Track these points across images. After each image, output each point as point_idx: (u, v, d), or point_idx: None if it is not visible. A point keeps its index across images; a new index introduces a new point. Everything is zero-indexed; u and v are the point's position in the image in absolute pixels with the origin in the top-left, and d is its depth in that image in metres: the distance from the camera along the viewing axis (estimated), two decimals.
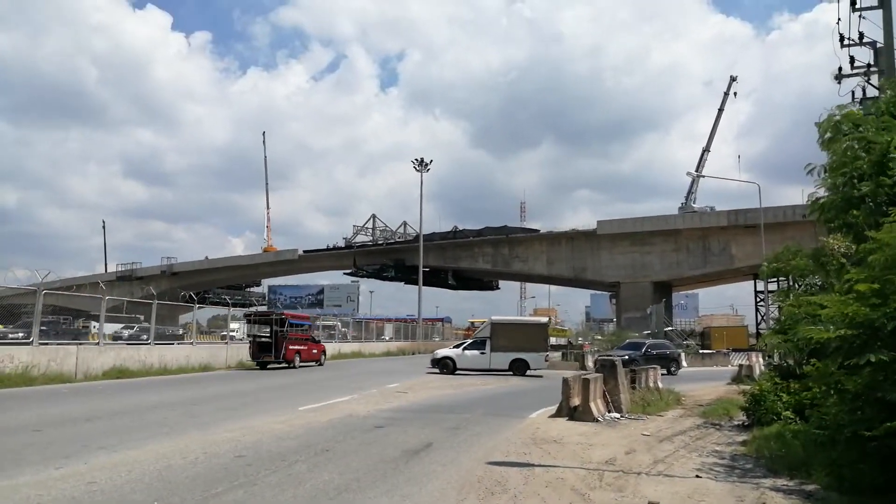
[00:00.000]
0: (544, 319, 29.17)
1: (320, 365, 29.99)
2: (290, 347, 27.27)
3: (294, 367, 27.28)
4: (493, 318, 29.86)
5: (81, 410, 12.27)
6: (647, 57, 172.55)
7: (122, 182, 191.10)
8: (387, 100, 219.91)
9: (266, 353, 26.91)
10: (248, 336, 30.19)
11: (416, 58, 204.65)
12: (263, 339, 27.63)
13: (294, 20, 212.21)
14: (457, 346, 29.76)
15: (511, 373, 26.43)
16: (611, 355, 30.51)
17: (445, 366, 27.26)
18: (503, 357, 26.82)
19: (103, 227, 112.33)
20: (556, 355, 39.81)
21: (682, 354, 40.19)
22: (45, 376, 17.08)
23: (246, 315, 33.53)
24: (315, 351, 30.21)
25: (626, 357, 28.62)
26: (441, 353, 28.81)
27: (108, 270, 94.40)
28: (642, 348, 31.51)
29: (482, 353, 27.18)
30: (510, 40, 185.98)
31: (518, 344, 27.00)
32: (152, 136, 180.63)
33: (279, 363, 26.95)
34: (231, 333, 39.73)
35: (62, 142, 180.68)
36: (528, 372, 26.73)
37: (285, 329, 27.50)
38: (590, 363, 28.29)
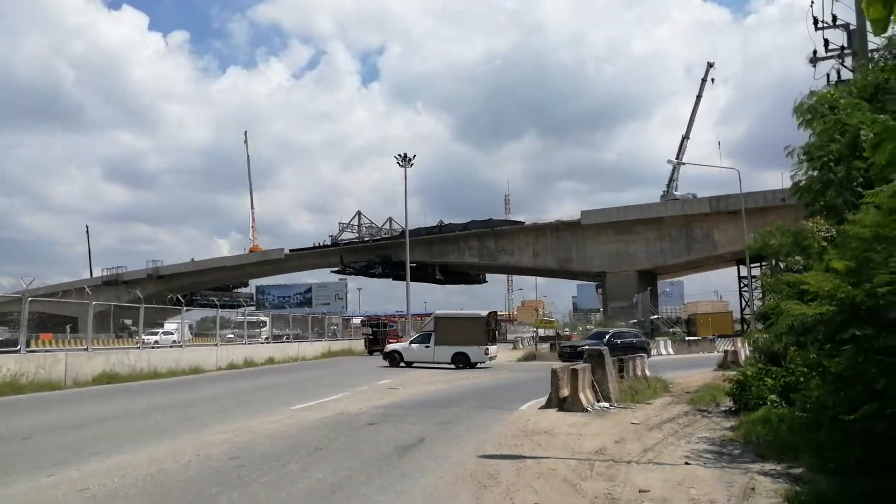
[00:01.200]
0: (483, 313, 29.24)
1: None
2: (389, 341, 36.98)
3: None
4: (437, 312, 31.18)
5: (72, 417, 12.22)
6: (628, 45, 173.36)
7: (104, 185, 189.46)
8: (369, 95, 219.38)
9: (374, 346, 38.93)
10: (364, 335, 44.05)
11: (396, 51, 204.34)
12: (371, 337, 41.12)
13: (272, 17, 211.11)
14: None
15: (453, 366, 26.91)
16: (573, 346, 30.69)
17: (393, 359, 28.53)
18: (446, 350, 27.50)
19: (87, 232, 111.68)
20: (545, 346, 40.09)
21: (662, 342, 40.36)
22: (34, 384, 16.95)
23: (362, 322, 50.28)
24: None
25: (586, 347, 28.63)
26: (390, 346, 30.65)
27: (94, 275, 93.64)
28: (605, 337, 30.14)
29: (427, 347, 28.09)
30: (491, 31, 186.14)
31: (459, 338, 27.60)
32: (132, 137, 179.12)
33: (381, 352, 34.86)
34: (169, 336, 39.77)
35: (41, 146, 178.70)
36: (480, 366, 27.33)
37: (387, 329, 42.63)
38: None
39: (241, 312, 40.72)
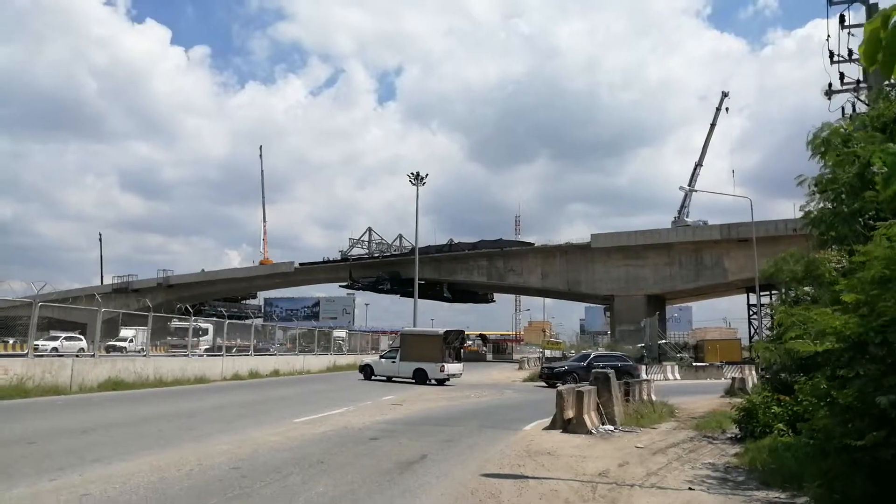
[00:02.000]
0: (440, 331, 30.19)
1: None
2: None
3: None
4: (403, 329, 33.27)
5: (76, 422, 12.25)
6: (643, 72, 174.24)
7: (120, 195, 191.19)
8: (385, 114, 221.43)
9: None
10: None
11: (414, 73, 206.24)
12: None
13: (293, 35, 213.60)
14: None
15: (414, 381, 28.08)
16: (550, 367, 30.91)
17: (365, 371, 30.40)
18: (409, 366, 28.71)
19: (100, 240, 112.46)
20: None
21: (669, 367, 39.96)
22: (40, 388, 17.03)
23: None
24: None
25: (564, 368, 29.11)
26: (364, 360, 32.51)
27: (105, 283, 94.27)
28: (586, 360, 29.81)
29: (393, 362, 29.55)
30: (508, 55, 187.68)
31: (420, 354, 28.72)
32: (150, 149, 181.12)
33: None
34: (122, 345, 37.11)
35: (59, 154, 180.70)
36: (448, 382, 28.47)
37: None
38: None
39: (177, 318, 34.53)
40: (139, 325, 42.15)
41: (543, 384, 28.99)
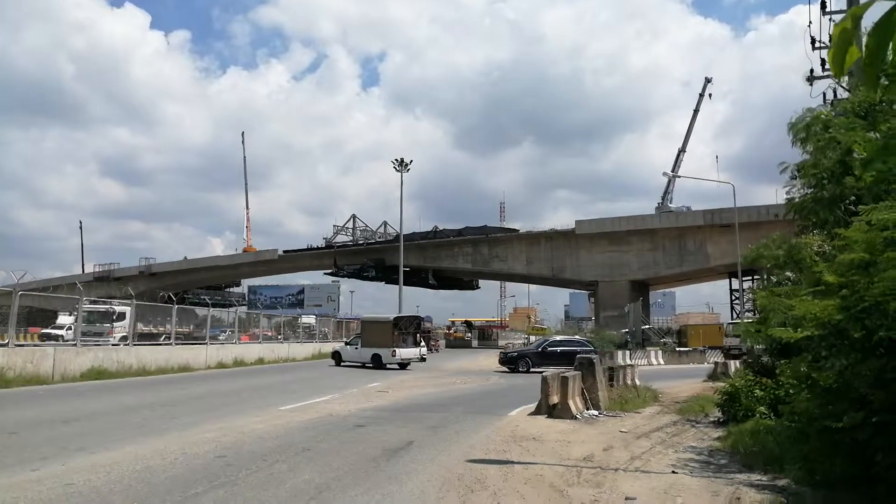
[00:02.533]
0: (391, 317, 31.30)
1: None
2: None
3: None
4: (364, 316, 34.90)
5: (59, 412, 12.14)
6: (627, 58, 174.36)
7: (100, 182, 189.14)
8: (368, 100, 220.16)
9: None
10: None
11: (397, 58, 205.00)
12: None
13: (274, 19, 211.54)
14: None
15: (372, 365, 28.77)
16: (505, 352, 32.04)
17: (336, 358, 31.33)
18: (368, 352, 29.58)
19: (80, 228, 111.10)
20: None
21: (653, 352, 40.33)
22: (21, 378, 16.88)
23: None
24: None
25: (515, 354, 30.37)
26: (334, 347, 33.43)
27: (86, 271, 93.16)
28: (541, 345, 30.52)
29: (356, 348, 30.57)
30: (493, 41, 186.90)
31: (376, 340, 29.64)
32: (130, 135, 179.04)
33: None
34: (58, 333, 32.40)
35: (38, 141, 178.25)
36: (409, 367, 29.41)
37: (429, 334, 46.20)
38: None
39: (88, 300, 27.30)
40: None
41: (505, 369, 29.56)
